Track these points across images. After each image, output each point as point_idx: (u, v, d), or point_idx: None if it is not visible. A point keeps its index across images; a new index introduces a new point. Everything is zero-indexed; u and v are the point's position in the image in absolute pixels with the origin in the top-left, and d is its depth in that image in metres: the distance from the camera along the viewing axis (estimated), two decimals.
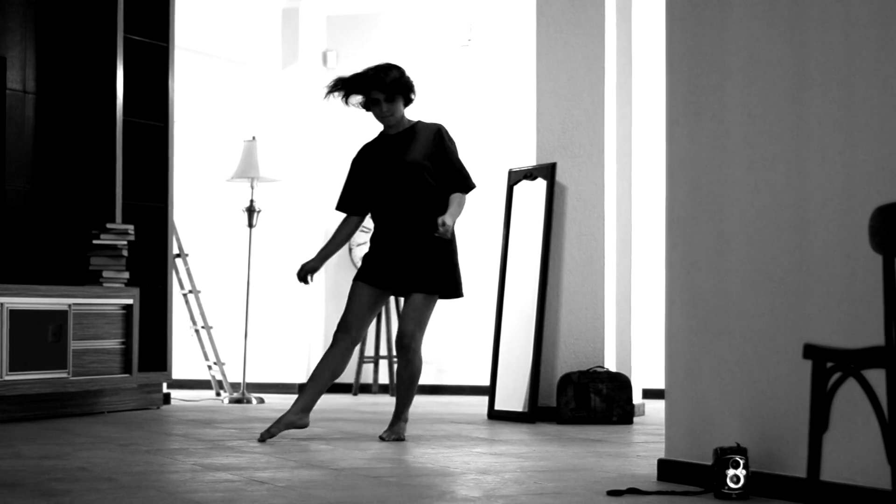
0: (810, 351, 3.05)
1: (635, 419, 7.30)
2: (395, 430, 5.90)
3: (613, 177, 7.54)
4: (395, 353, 9.88)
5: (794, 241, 4.01)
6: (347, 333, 5.86)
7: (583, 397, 7.14)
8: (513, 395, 7.37)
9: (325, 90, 5.99)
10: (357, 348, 9.79)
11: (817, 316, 3.90)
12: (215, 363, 9.12)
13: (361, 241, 10.22)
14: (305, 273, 5.94)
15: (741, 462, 3.96)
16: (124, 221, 7.77)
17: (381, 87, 5.89)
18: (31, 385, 6.85)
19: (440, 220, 5.69)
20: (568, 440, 6.08)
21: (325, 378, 5.80)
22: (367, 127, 10.41)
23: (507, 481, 4.44)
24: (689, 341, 4.41)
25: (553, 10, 7.56)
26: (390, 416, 7.13)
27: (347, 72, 10.18)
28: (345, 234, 6.03)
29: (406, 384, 5.96)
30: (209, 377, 9.37)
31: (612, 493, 4.08)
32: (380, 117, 5.99)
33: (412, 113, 6.32)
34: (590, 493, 4.11)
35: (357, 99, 5.96)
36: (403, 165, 5.89)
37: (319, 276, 10.29)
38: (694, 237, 4.41)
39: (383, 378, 9.97)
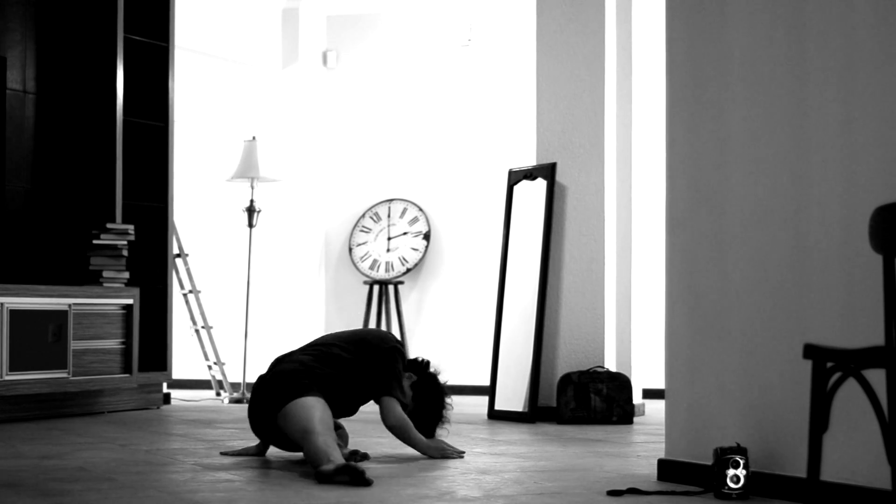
0: (810, 351, 3.05)
1: (635, 419, 7.30)
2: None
3: (613, 177, 7.54)
4: None
5: (794, 240, 4.01)
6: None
7: (583, 397, 7.14)
8: (513, 395, 7.37)
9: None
10: None
11: (817, 316, 3.90)
12: (215, 363, 9.12)
13: (361, 241, 10.22)
14: None
15: (741, 462, 3.96)
16: (124, 221, 7.77)
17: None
18: (31, 385, 6.85)
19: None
20: (568, 440, 6.08)
21: None
22: (366, 127, 10.44)
23: (507, 481, 4.44)
24: (689, 341, 4.41)
25: (553, 10, 7.56)
26: None
27: (348, 77, 10.17)
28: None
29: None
30: (209, 377, 9.37)
31: (612, 493, 4.08)
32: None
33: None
34: (590, 493, 4.11)
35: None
36: None
37: (319, 276, 10.30)
38: (694, 237, 4.41)
39: None
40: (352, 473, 4.29)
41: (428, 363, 5.43)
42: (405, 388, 5.25)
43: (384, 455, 5.28)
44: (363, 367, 5.14)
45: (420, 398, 5.29)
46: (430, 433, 5.32)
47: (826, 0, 3.93)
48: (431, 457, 5.13)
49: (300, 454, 4.90)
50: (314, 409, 4.76)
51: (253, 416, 5.06)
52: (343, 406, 5.15)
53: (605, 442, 6.00)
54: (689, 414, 4.41)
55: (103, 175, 7.70)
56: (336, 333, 5.39)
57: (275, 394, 4.90)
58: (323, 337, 5.35)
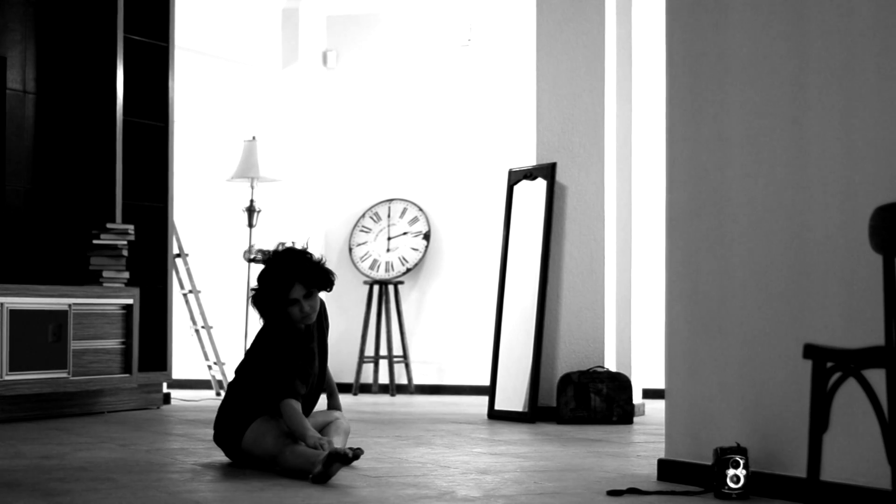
0: (810, 351, 3.05)
1: (635, 419, 7.30)
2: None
3: (613, 177, 7.54)
4: (394, 353, 9.88)
5: (794, 240, 4.01)
6: None
7: (583, 397, 7.14)
8: (513, 395, 7.37)
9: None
10: (357, 348, 9.82)
11: (817, 316, 3.90)
12: (215, 363, 9.12)
13: (361, 241, 10.23)
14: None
15: (741, 462, 3.96)
16: (124, 221, 7.77)
17: (304, 279, 4.78)
18: (31, 385, 6.85)
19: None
20: (568, 440, 6.08)
21: None
22: (366, 127, 10.43)
23: (507, 481, 4.44)
24: (689, 341, 4.41)
25: (553, 10, 7.56)
26: (390, 416, 7.15)
27: (348, 77, 10.17)
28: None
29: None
30: (209, 377, 9.37)
31: (612, 493, 4.08)
32: (301, 319, 4.80)
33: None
34: (590, 493, 4.11)
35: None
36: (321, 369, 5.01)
37: None
38: (694, 237, 4.41)
39: (383, 378, 9.98)
40: (340, 459, 4.27)
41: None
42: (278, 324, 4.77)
43: (384, 455, 5.28)
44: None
45: (265, 301, 4.77)
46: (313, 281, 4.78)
47: (826, 0, 3.93)
48: (307, 444, 4.52)
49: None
50: (265, 435, 4.66)
51: (228, 455, 4.96)
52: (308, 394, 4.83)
53: (605, 442, 6.00)
54: (689, 414, 4.41)
55: (103, 175, 7.70)
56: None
57: (227, 435, 4.82)
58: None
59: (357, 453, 4.31)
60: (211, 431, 6.35)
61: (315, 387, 4.94)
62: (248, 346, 4.98)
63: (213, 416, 4.84)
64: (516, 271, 7.59)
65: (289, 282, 4.74)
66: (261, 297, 4.81)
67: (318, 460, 4.33)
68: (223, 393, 9.07)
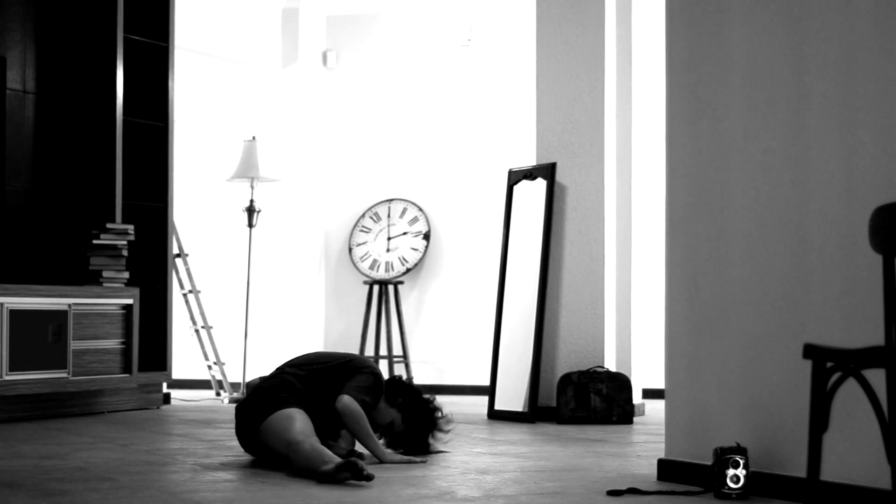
0: (810, 351, 3.05)
1: (635, 419, 7.30)
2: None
3: (613, 177, 7.54)
4: (394, 353, 9.88)
5: (794, 240, 4.01)
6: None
7: (583, 397, 7.14)
8: (513, 395, 7.37)
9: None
10: (357, 348, 9.82)
11: (817, 316, 3.90)
12: (215, 363, 9.12)
13: (361, 241, 10.23)
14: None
15: (741, 462, 3.97)
16: (124, 221, 7.77)
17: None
18: (31, 385, 6.85)
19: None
20: (568, 440, 6.08)
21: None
22: (366, 127, 10.43)
23: (507, 481, 4.44)
24: (689, 341, 4.41)
25: (553, 9, 7.56)
26: None
27: (348, 77, 10.16)
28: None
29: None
30: (209, 377, 9.37)
31: (612, 493, 4.08)
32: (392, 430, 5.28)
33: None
34: (590, 493, 4.11)
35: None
36: None
37: (319, 276, 10.30)
38: (694, 237, 4.41)
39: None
40: (353, 469, 4.29)
41: (404, 379, 5.41)
42: (381, 406, 5.14)
43: None
44: (340, 386, 5.01)
45: (411, 415, 5.23)
46: (424, 447, 5.25)
47: (826, 0, 3.93)
48: (387, 462, 4.92)
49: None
50: (293, 420, 4.72)
51: (239, 436, 5.01)
52: (324, 425, 4.97)
53: (605, 442, 6.00)
54: (689, 414, 4.41)
55: (103, 175, 7.70)
56: (321, 353, 5.33)
57: (253, 411, 4.87)
58: (307, 355, 5.28)
59: (369, 477, 4.31)
60: (211, 431, 6.35)
61: None
62: (324, 355, 5.22)
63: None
64: (516, 271, 7.59)
65: (424, 436, 5.26)
66: (401, 405, 5.24)
67: (332, 461, 4.35)
68: (223, 393, 9.08)
